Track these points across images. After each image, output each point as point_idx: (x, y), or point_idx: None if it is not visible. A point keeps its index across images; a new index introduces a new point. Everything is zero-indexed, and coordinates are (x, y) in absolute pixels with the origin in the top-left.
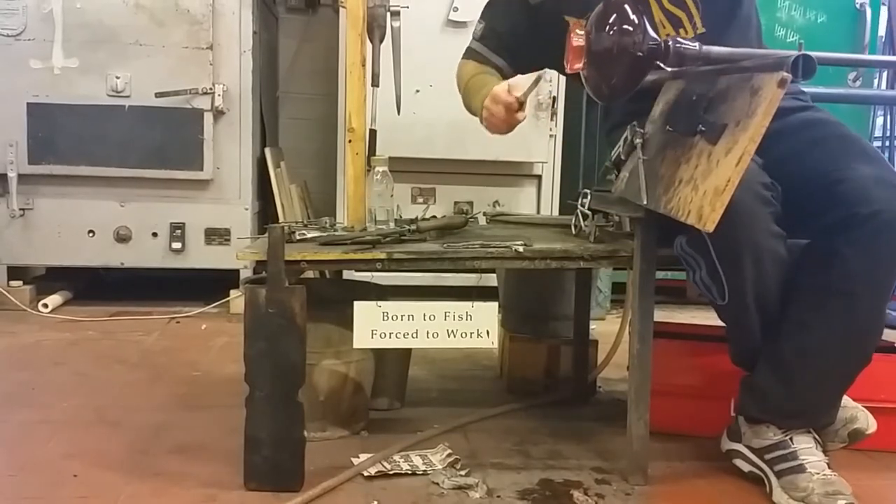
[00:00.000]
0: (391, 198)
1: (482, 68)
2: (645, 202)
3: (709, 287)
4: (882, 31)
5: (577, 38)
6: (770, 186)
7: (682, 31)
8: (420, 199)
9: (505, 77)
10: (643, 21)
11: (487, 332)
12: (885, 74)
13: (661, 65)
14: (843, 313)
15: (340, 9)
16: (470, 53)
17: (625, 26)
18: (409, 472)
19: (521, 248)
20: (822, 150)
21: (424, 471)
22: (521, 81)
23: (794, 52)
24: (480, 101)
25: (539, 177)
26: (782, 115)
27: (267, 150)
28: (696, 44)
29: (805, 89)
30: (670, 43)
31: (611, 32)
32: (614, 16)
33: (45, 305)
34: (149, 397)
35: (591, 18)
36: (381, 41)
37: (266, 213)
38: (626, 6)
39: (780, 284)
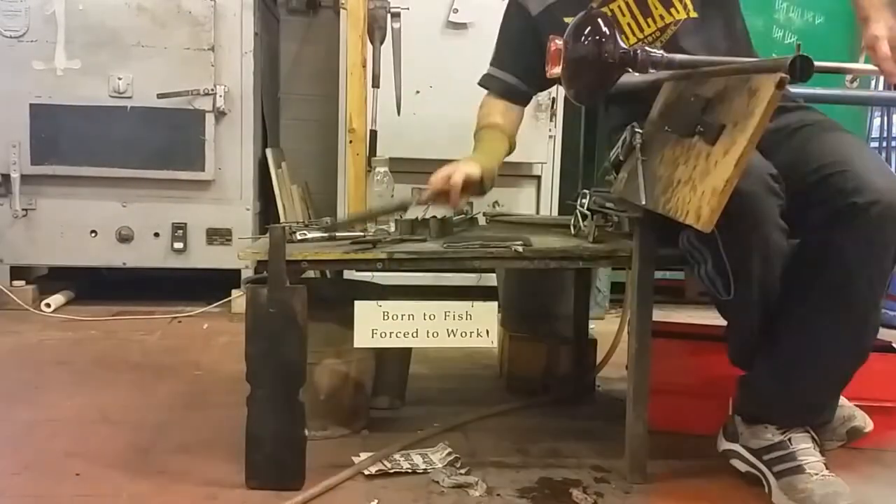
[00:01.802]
0: (392, 198)
1: (489, 118)
2: (643, 202)
3: (714, 281)
4: (857, 19)
5: (556, 47)
6: (778, 178)
7: (672, 10)
8: None
9: (520, 97)
10: (614, 32)
11: (487, 332)
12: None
13: (630, 70)
14: (840, 307)
15: (341, 10)
16: (485, 80)
17: (598, 37)
18: (410, 470)
19: (520, 248)
20: (817, 145)
21: (425, 469)
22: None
23: (761, 60)
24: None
25: (538, 177)
26: (778, 114)
27: (268, 151)
28: (660, 52)
29: (802, 91)
30: (638, 51)
31: (586, 42)
32: (589, 28)
33: (48, 305)
34: (151, 396)
35: (568, 29)
36: (382, 42)
37: (267, 213)
38: (600, 19)
39: (781, 279)
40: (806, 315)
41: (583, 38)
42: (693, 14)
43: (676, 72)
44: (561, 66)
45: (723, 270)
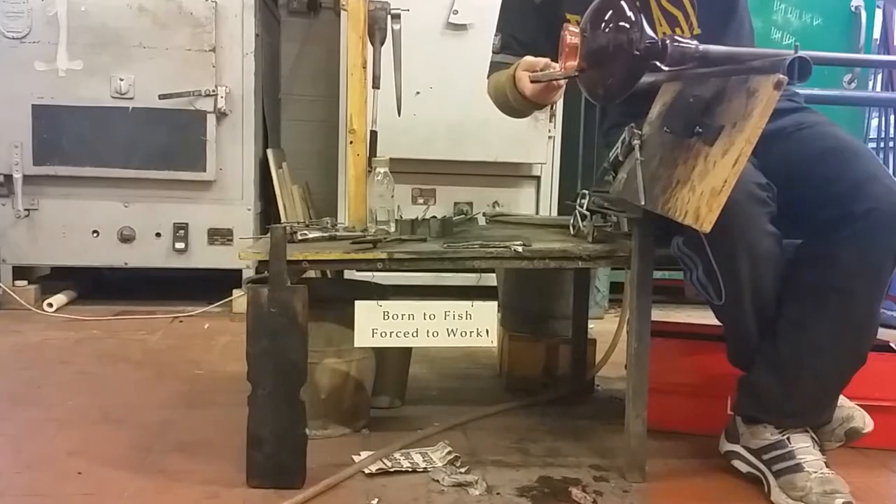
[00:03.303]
0: (392, 198)
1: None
2: (642, 203)
3: (705, 286)
4: (877, 33)
5: (571, 37)
6: (765, 186)
7: (678, 30)
8: (420, 200)
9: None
10: (640, 18)
11: (487, 332)
12: (879, 76)
13: (659, 64)
14: (840, 311)
15: (342, 11)
16: (494, 67)
17: (621, 23)
18: (410, 469)
19: (520, 249)
20: (815, 150)
21: (425, 468)
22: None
23: (790, 53)
24: (508, 79)
25: (538, 178)
26: (776, 116)
27: (269, 152)
28: (694, 42)
29: (800, 91)
30: (668, 41)
31: (607, 30)
32: (610, 12)
33: (50, 305)
34: (152, 395)
35: (586, 15)
36: (382, 43)
37: (268, 213)
38: (623, 2)
39: (777, 284)
40: (805, 317)
41: (603, 25)
42: (696, 31)
43: (675, 72)
44: (577, 60)
45: (713, 277)
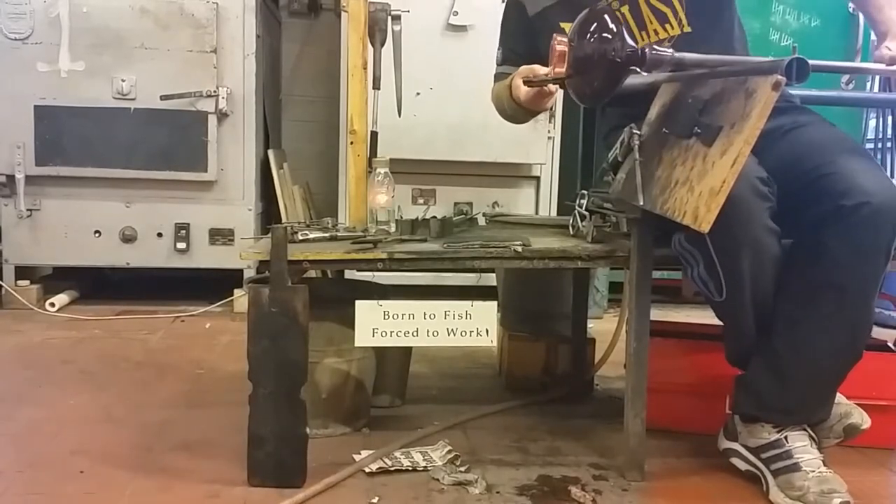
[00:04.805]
0: (392, 199)
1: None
2: (641, 203)
3: (706, 283)
4: (875, 34)
5: (560, 45)
6: (767, 181)
7: (667, 26)
8: (420, 200)
9: None
10: (621, 29)
11: (487, 331)
12: (877, 77)
13: (638, 69)
14: (833, 307)
15: (342, 13)
16: (497, 78)
17: (604, 34)
18: (410, 468)
19: (519, 248)
20: (808, 147)
21: (425, 467)
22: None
23: (766, 60)
24: (505, 88)
25: (537, 178)
26: (772, 115)
27: (270, 152)
28: (670, 51)
29: (799, 91)
30: (646, 50)
31: (591, 40)
32: (595, 25)
33: (52, 304)
34: (154, 395)
35: (573, 26)
36: (383, 45)
37: (269, 213)
38: (606, 16)
39: (775, 280)
40: (799, 314)
41: (588, 35)
42: (686, 29)
43: (674, 73)
44: (565, 66)
45: (714, 272)
